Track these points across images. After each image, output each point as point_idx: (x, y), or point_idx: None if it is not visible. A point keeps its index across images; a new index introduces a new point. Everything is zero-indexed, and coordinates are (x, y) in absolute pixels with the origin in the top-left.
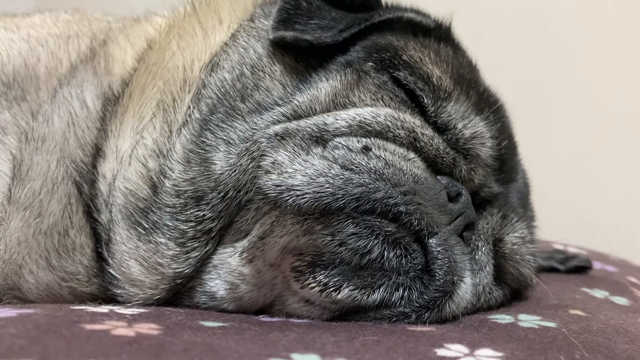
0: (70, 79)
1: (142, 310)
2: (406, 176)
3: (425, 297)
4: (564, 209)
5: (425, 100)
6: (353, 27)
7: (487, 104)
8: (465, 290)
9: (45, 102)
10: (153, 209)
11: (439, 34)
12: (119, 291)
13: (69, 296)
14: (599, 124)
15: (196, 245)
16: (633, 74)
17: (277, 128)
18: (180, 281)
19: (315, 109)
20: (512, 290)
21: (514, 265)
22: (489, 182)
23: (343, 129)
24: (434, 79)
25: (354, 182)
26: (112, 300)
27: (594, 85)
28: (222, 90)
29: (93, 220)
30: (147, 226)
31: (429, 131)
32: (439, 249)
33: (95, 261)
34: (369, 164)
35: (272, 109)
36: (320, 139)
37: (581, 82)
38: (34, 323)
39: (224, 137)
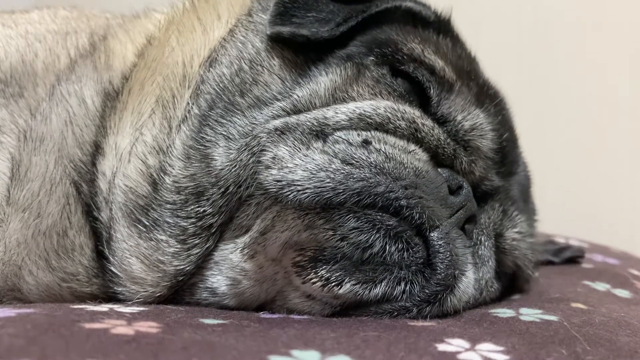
0: (69, 75)
1: (142, 308)
2: (407, 169)
3: (427, 291)
4: (566, 202)
5: (432, 91)
6: (350, 20)
7: (487, 97)
8: (467, 284)
9: (44, 99)
10: (153, 206)
11: (438, 26)
12: (120, 289)
13: (70, 297)
14: (600, 117)
15: (197, 241)
16: (633, 66)
17: (277, 123)
18: (181, 278)
19: (315, 104)
20: (508, 284)
21: (513, 261)
22: (490, 175)
23: (343, 123)
24: (438, 71)
25: (354, 176)
26: (112, 299)
27: (594, 78)
28: (220, 85)
29: (93, 219)
30: (147, 223)
31: (429, 122)
32: (440, 242)
33: (95, 261)
34: (369, 158)
35: (272, 103)
36: (321, 133)
37: (582, 75)
38: (33, 323)
39: (223, 133)
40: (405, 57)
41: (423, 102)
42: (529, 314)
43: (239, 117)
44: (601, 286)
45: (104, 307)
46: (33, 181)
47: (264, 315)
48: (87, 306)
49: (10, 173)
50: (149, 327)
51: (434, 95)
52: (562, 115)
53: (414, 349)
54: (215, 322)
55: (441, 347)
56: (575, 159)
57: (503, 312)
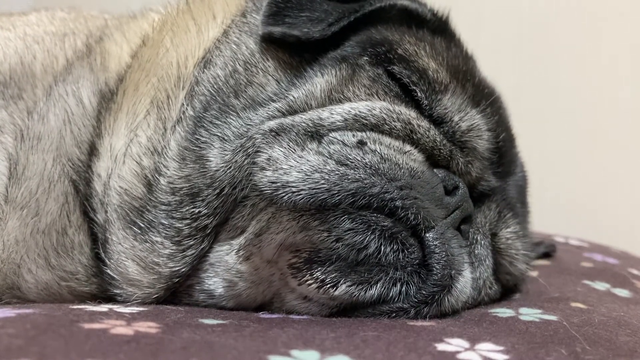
0: (66, 76)
1: (141, 308)
2: (402, 170)
3: (424, 292)
4: (565, 201)
5: (419, 94)
6: (342, 20)
7: (483, 96)
8: (464, 284)
9: (41, 99)
10: (148, 207)
11: (434, 25)
12: (117, 291)
13: (69, 295)
14: (600, 117)
15: (192, 243)
16: (634, 66)
17: (272, 124)
18: (177, 280)
19: (311, 105)
20: (506, 285)
21: (509, 261)
22: (487, 175)
23: (338, 124)
24: (430, 72)
25: (349, 177)
26: (112, 299)
27: (594, 78)
28: (215, 87)
29: (90, 219)
30: (142, 225)
31: (425, 123)
32: (436, 242)
33: (94, 260)
34: (364, 159)
35: (267, 104)
36: (316, 134)
37: (582, 75)
38: (33, 323)
39: (218, 134)
40: (396, 58)
41: (417, 102)
42: (529, 313)
43: (233, 118)
44: (601, 286)
45: (104, 308)
46: (31, 179)
47: (263, 315)
48: (87, 306)
49: (8, 172)
50: (148, 327)
51: (422, 98)
52: (562, 114)
53: (414, 348)
54: (215, 322)
55: (440, 346)
56: (575, 159)
57: (503, 311)
